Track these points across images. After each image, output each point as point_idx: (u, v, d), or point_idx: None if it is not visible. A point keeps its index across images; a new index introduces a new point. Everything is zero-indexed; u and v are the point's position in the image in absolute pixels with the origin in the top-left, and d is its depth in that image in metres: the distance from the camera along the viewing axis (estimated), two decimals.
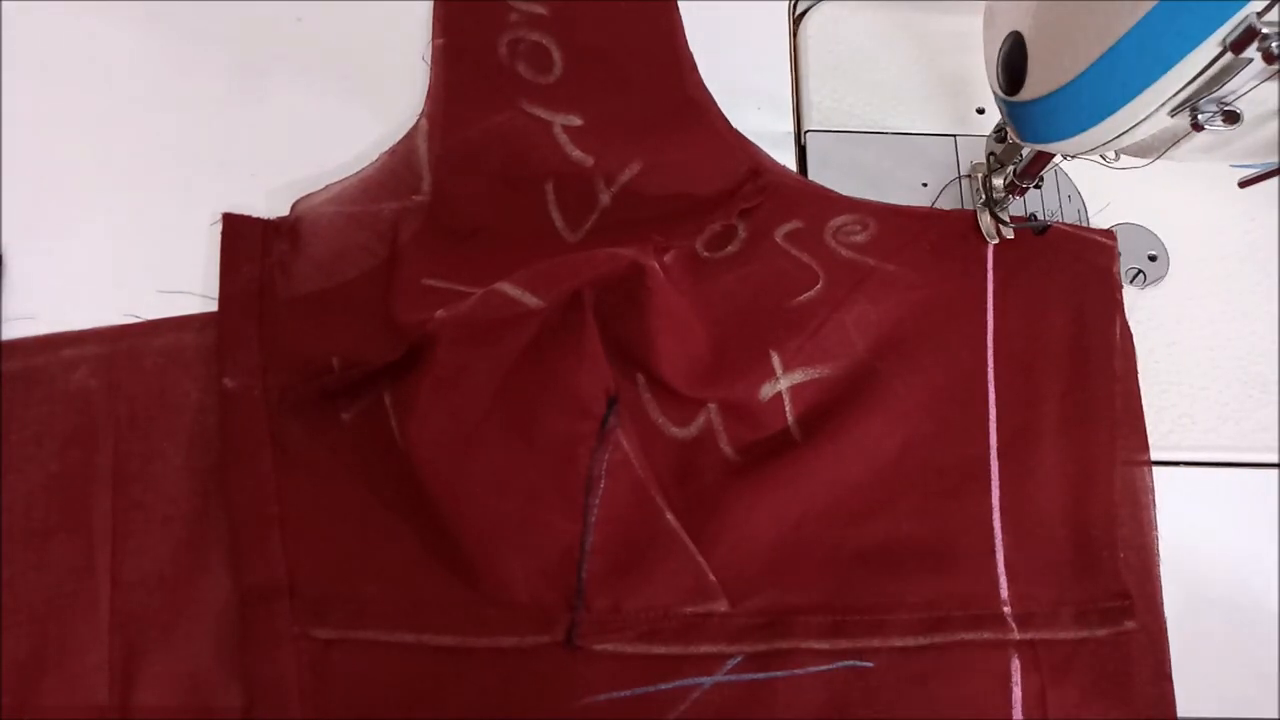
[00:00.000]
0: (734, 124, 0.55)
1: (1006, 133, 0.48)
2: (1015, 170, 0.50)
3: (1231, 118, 0.36)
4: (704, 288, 0.50)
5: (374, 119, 0.54)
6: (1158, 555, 0.48)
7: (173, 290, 0.50)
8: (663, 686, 0.44)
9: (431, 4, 0.57)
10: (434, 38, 0.56)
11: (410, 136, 0.53)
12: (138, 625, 0.45)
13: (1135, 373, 0.51)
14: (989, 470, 0.49)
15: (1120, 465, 0.49)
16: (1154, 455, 0.50)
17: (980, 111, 0.58)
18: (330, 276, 0.50)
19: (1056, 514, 0.48)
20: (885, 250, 0.52)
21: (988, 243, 0.53)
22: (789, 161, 0.56)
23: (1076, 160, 0.47)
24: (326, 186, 0.52)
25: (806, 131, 0.57)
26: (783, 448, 0.48)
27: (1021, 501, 0.48)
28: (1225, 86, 0.35)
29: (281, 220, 0.51)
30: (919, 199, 0.55)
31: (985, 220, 0.52)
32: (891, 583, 0.47)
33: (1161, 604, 0.48)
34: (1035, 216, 0.54)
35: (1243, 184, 0.43)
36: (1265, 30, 0.32)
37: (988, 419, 0.50)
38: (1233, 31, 0.33)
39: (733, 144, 0.55)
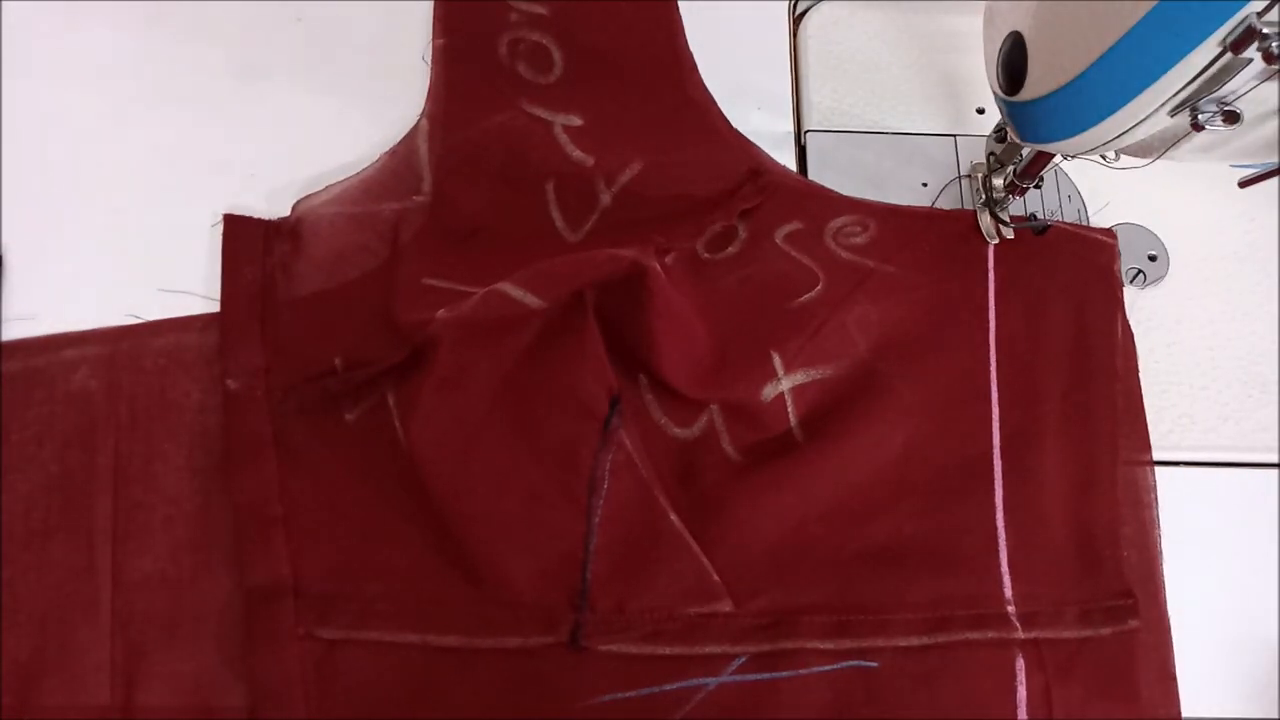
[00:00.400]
0: (734, 124, 0.55)
1: (1006, 133, 0.48)
2: (1015, 170, 0.50)
3: (1231, 118, 0.36)
4: (705, 289, 0.50)
5: (374, 119, 0.54)
6: (1160, 554, 0.49)
7: (174, 290, 0.50)
8: (667, 687, 0.44)
9: (431, 4, 0.57)
10: (434, 38, 0.56)
11: (411, 137, 0.53)
12: (139, 625, 0.45)
13: (1137, 372, 0.51)
14: (992, 470, 0.49)
15: (1122, 464, 0.49)
16: (1154, 455, 0.50)
17: (980, 111, 0.58)
18: (331, 277, 0.50)
19: (1059, 513, 0.48)
20: (885, 251, 0.52)
21: (988, 243, 0.53)
22: (789, 161, 0.56)
23: (1076, 160, 0.47)
24: (327, 187, 0.52)
25: (806, 131, 0.57)
26: (785, 448, 0.48)
27: (1024, 501, 0.48)
28: (1225, 86, 0.35)
29: (282, 221, 0.51)
30: (919, 199, 0.55)
31: (985, 220, 0.53)
32: (895, 582, 0.47)
33: (1165, 603, 0.48)
34: (1035, 216, 0.54)
35: (1243, 184, 0.43)
36: (1265, 30, 0.32)
37: (990, 419, 0.50)
38: (1233, 31, 0.33)
39: (733, 144, 0.55)
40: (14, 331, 0.48)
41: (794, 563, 0.47)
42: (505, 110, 0.54)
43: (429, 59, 0.55)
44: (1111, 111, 0.38)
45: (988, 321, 0.51)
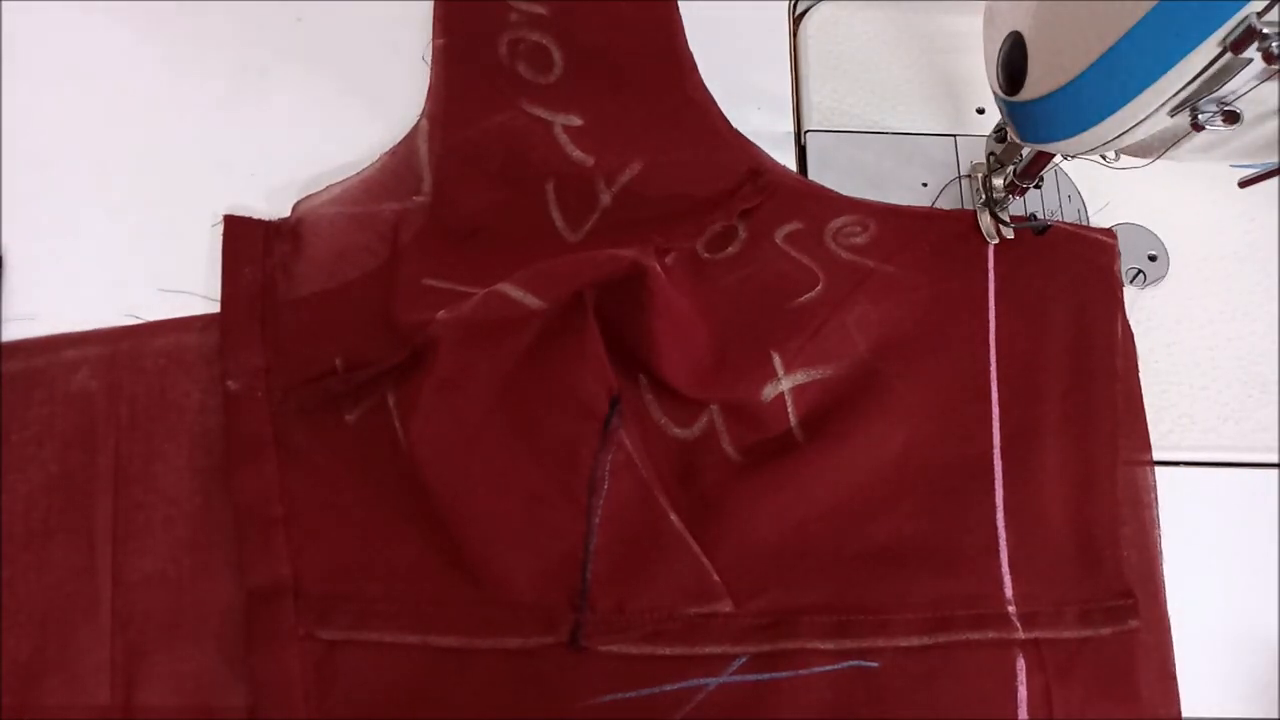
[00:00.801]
0: (734, 124, 0.55)
1: (1006, 133, 0.48)
2: (1015, 170, 0.50)
3: (1231, 118, 0.36)
4: (705, 289, 0.50)
5: (374, 119, 0.54)
6: (1160, 554, 0.49)
7: (174, 290, 0.50)
8: (668, 687, 0.44)
9: (431, 4, 0.57)
10: (434, 38, 0.56)
11: (411, 137, 0.53)
12: (140, 626, 0.45)
13: (1137, 371, 0.51)
14: (992, 469, 0.49)
15: (1122, 464, 0.49)
16: (1154, 455, 0.50)
17: (980, 111, 0.58)
18: (332, 277, 0.50)
19: (1059, 513, 0.48)
20: (885, 251, 0.52)
21: (988, 243, 0.53)
22: (789, 161, 0.56)
23: (1076, 160, 0.47)
24: (327, 187, 0.52)
25: (806, 131, 0.57)
26: (785, 448, 0.48)
27: (1025, 501, 0.48)
28: (1225, 86, 0.35)
29: (283, 221, 0.51)
30: (919, 199, 0.55)
31: (985, 220, 0.53)
32: (896, 582, 0.47)
33: (1165, 603, 0.48)
34: (1035, 216, 0.54)
35: (1243, 184, 0.43)
36: (1265, 30, 0.32)
37: (990, 418, 0.50)
38: (1233, 31, 0.33)
39: (733, 144, 0.55)
40: (14, 331, 0.48)
41: (794, 563, 0.47)
42: (505, 110, 0.54)
43: (429, 59, 0.55)
44: (1111, 111, 0.38)
45: (988, 321, 0.51)
